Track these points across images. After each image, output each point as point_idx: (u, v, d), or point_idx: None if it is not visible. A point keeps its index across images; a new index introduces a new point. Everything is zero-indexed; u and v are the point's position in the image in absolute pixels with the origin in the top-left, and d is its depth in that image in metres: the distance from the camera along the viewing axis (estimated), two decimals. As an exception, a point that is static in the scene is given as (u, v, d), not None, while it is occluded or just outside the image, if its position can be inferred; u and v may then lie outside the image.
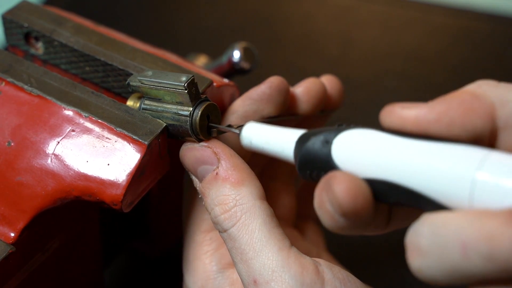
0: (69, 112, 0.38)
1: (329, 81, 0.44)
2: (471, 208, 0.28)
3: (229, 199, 0.36)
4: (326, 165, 0.33)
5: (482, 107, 0.30)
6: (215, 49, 0.60)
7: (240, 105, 0.41)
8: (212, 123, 0.38)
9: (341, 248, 0.56)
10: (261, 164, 0.44)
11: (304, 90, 0.42)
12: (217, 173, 0.37)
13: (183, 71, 0.41)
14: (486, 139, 0.30)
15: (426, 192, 0.30)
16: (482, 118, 0.30)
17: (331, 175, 0.31)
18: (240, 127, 0.38)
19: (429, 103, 0.30)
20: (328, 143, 0.33)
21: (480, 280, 0.26)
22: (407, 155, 0.30)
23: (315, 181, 0.34)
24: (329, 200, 0.31)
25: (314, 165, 0.34)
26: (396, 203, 0.32)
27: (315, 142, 0.34)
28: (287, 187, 0.46)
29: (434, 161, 0.29)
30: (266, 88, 0.40)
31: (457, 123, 0.30)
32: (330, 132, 0.33)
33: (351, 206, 0.30)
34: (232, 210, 0.36)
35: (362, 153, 0.32)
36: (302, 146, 0.34)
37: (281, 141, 0.36)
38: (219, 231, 0.37)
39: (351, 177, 0.31)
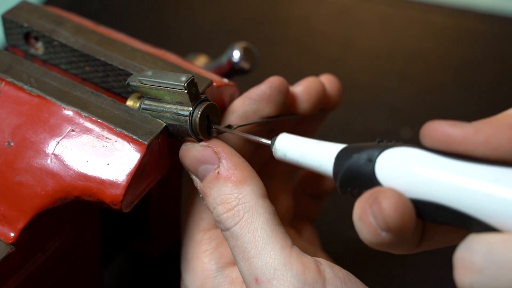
0: (69, 112, 0.38)
1: (328, 80, 0.44)
2: None
3: (232, 198, 0.36)
4: (370, 183, 0.33)
5: None
6: (215, 49, 0.60)
7: (240, 105, 0.41)
8: (212, 123, 0.38)
9: (340, 248, 0.56)
10: (259, 163, 0.44)
11: (304, 90, 0.42)
12: (218, 173, 0.37)
13: (183, 71, 0.41)
14: None
15: (477, 215, 0.30)
16: None
17: (378, 189, 0.31)
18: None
19: (475, 124, 0.30)
20: (371, 161, 0.33)
21: None
22: (456, 177, 0.30)
23: (355, 197, 0.34)
24: (373, 213, 0.31)
25: (356, 183, 0.34)
26: (443, 223, 0.32)
27: (358, 160, 0.33)
28: (285, 186, 0.46)
29: (485, 184, 0.29)
30: (266, 88, 0.40)
31: (505, 148, 0.29)
32: (373, 149, 0.33)
33: (398, 223, 0.30)
34: (235, 209, 0.36)
35: (408, 173, 0.32)
36: (344, 163, 0.34)
37: (319, 156, 0.35)
38: (222, 230, 0.37)
39: (399, 194, 0.31)
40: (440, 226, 0.35)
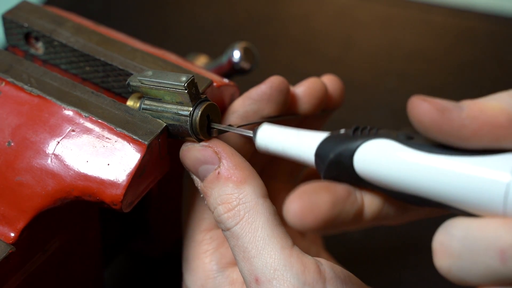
0: (69, 112, 0.38)
1: (330, 81, 0.44)
2: (505, 215, 0.28)
3: (232, 198, 0.36)
4: (351, 177, 0.34)
5: None
6: (215, 49, 0.60)
7: (240, 105, 0.41)
8: (235, 128, 0.38)
9: (341, 248, 0.56)
10: (261, 163, 0.44)
11: (305, 90, 0.42)
12: (218, 173, 0.37)
13: (183, 71, 0.41)
14: None
15: (456, 205, 0.30)
16: None
17: (287, 201, 0.32)
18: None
19: (463, 114, 0.29)
20: (349, 158, 0.33)
21: None
22: (431, 173, 0.30)
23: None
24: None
25: (339, 178, 0.34)
26: (422, 206, 0.33)
27: (336, 158, 0.34)
28: (287, 186, 0.46)
29: (461, 175, 0.29)
30: (267, 88, 0.40)
31: (487, 142, 0.29)
32: (349, 143, 0.33)
33: (300, 226, 0.32)
34: (236, 209, 0.36)
35: (385, 170, 0.32)
36: (324, 161, 0.34)
37: (300, 150, 0.36)
38: (222, 230, 0.37)
39: (303, 198, 0.32)
40: None
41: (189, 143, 0.38)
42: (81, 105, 0.38)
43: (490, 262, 0.27)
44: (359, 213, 0.34)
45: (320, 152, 0.35)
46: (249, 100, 0.40)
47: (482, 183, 0.29)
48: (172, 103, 0.38)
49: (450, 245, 0.28)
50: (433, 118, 0.29)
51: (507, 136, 0.29)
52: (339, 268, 0.35)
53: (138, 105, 0.39)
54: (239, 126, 0.39)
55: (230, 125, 0.39)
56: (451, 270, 0.28)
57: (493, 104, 0.29)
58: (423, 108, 0.30)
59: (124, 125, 0.37)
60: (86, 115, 0.38)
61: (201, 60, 0.51)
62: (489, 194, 0.28)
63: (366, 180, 0.33)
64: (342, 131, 0.35)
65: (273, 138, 0.37)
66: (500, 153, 0.29)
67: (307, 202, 0.31)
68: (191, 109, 0.37)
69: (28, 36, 0.44)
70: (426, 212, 0.37)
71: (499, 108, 0.29)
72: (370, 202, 0.35)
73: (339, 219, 0.33)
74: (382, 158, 0.32)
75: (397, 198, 0.33)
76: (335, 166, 0.34)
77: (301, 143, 0.36)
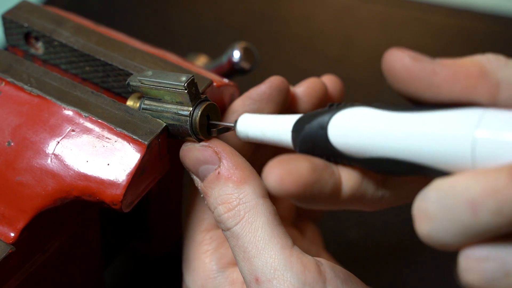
0: (69, 112, 0.38)
1: (330, 81, 0.44)
2: (474, 168, 0.28)
3: (232, 198, 0.36)
4: (326, 149, 0.34)
5: (487, 86, 0.29)
6: (215, 49, 0.60)
7: (240, 105, 0.41)
8: (213, 121, 0.38)
9: (341, 248, 0.56)
10: (261, 163, 0.44)
11: (305, 90, 0.42)
12: (219, 172, 0.37)
13: (183, 71, 0.41)
14: None
15: (428, 163, 0.30)
16: (484, 96, 0.29)
17: (266, 167, 0.32)
18: (235, 121, 0.38)
19: (435, 65, 0.30)
20: (323, 129, 0.33)
21: (489, 236, 0.27)
22: (401, 130, 0.30)
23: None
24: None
25: (315, 151, 0.34)
26: (402, 175, 0.32)
27: (311, 130, 0.34)
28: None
29: (429, 130, 0.29)
30: (266, 88, 0.40)
31: (456, 94, 0.29)
32: (323, 116, 0.34)
33: (279, 190, 0.31)
34: (236, 209, 0.36)
35: (356, 135, 0.32)
36: (299, 135, 0.34)
37: (277, 131, 0.36)
38: (222, 230, 0.37)
39: (282, 164, 0.32)
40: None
41: (189, 143, 0.38)
42: (81, 105, 0.38)
43: (463, 216, 0.26)
44: (337, 186, 0.34)
45: (296, 127, 0.35)
46: (249, 100, 0.40)
47: (450, 138, 0.28)
48: (172, 103, 0.38)
49: (427, 208, 0.28)
50: (405, 64, 0.30)
51: (477, 86, 0.29)
52: (339, 268, 0.35)
53: (138, 105, 0.39)
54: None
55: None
56: (430, 234, 0.28)
57: (466, 58, 0.30)
58: (396, 56, 0.30)
59: (124, 125, 0.37)
60: (86, 115, 0.38)
61: (201, 60, 0.51)
62: (457, 149, 0.28)
63: (341, 151, 0.33)
64: (319, 109, 0.35)
65: (253, 124, 0.37)
66: (467, 107, 0.29)
67: (287, 167, 0.31)
68: (191, 109, 0.37)
69: (28, 36, 0.44)
70: (406, 191, 0.36)
71: (471, 60, 0.30)
72: (347, 178, 0.35)
73: (318, 186, 0.32)
74: (353, 123, 0.32)
75: (374, 168, 0.33)
76: (310, 138, 0.34)
77: (278, 124, 0.36)
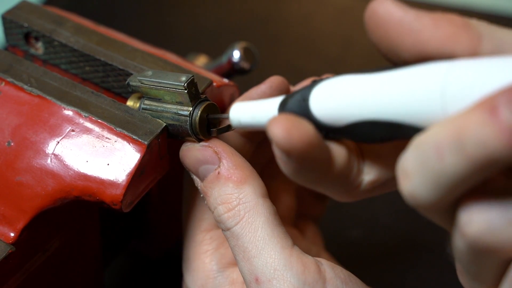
0: (69, 112, 0.38)
1: None
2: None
3: (232, 198, 0.36)
4: (309, 121, 0.33)
5: (470, 36, 0.29)
6: (215, 49, 0.60)
7: (240, 105, 0.40)
8: (212, 123, 0.38)
9: (341, 248, 0.56)
10: (261, 163, 0.44)
11: None
12: (218, 172, 0.37)
13: (183, 71, 0.41)
14: None
15: (404, 119, 0.29)
16: (465, 46, 0.29)
17: (270, 120, 0.31)
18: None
19: (417, 12, 0.29)
20: (305, 100, 0.34)
21: (466, 185, 0.26)
22: (375, 89, 0.30)
23: None
24: (273, 144, 0.31)
25: None
26: (383, 140, 0.32)
27: (294, 103, 0.34)
28: (287, 186, 0.46)
29: (401, 86, 0.29)
30: (266, 88, 0.40)
31: (437, 41, 0.29)
32: (305, 89, 0.34)
33: (287, 143, 0.30)
34: (236, 209, 0.36)
35: (335, 101, 0.32)
36: (284, 108, 0.34)
37: (265, 112, 0.36)
38: (222, 230, 0.37)
39: (288, 118, 0.31)
40: (379, 159, 0.35)
41: (189, 143, 0.38)
42: (81, 105, 0.38)
43: (432, 164, 0.26)
44: (331, 158, 0.34)
45: (282, 105, 0.35)
46: (249, 99, 0.40)
47: (420, 91, 0.28)
48: (172, 103, 0.38)
49: (406, 167, 0.27)
50: (388, 8, 0.29)
51: (459, 35, 0.28)
52: (339, 268, 0.35)
53: (138, 105, 0.39)
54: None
55: (229, 126, 0.39)
56: (412, 193, 0.27)
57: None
58: (380, 2, 0.30)
59: (124, 125, 0.37)
60: (86, 115, 0.38)
61: (201, 60, 0.51)
62: (428, 101, 0.28)
63: (324, 122, 0.33)
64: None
65: (244, 110, 0.37)
66: (436, 61, 0.29)
67: (295, 122, 0.31)
68: (191, 109, 0.37)
69: (28, 36, 0.44)
70: (381, 176, 0.36)
71: (457, 15, 0.29)
72: (336, 152, 0.35)
73: (319, 150, 0.32)
74: (332, 91, 0.32)
75: (355, 137, 0.33)
76: (293, 111, 0.34)
77: (266, 106, 0.36)
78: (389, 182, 0.37)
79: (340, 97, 0.32)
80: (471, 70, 0.27)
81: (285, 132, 0.30)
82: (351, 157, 0.35)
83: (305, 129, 0.31)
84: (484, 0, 0.84)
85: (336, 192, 0.36)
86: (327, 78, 0.34)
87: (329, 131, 0.34)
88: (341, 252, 0.50)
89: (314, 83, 0.34)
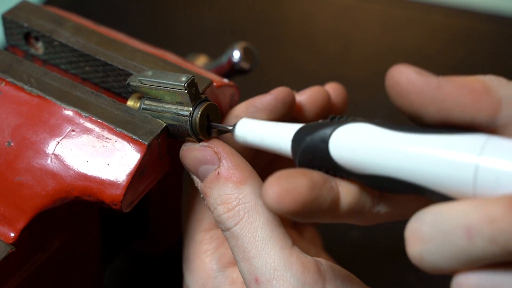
0: (69, 112, 0.38)
1: (333, 89, 0.44)
2: (475, 196, 0.28)
3: (232, 198, 0.36)
4: (326, 162, 0.33)
5: (490, 102, 0.29)
6: (215, 49, 0.60)
7: (243, 111, 0.40)
8: (212, 123, 0.38)
9: (341, 248, 0.56)
10: (261, 163, 0.44)
11: (308, 99, 0.42)
12: (218, 173, 0.37)
13: (183, 71, 0.41)
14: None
15: (428, 185, 0.30)
16: (486, 113, 0.29)
17: (265, 183, 0.31)
18: (234, 125, 0.38)
19: (439, 79, 0.30)
20: (324, 142, 0.33)
21: (482, 263, 0.27)
22: (403, 151, 0.30)
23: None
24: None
25: (314, 163, 0.34)
26: (401, 193, 0.33)
27: (312, 142, 0.34)
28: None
29: (433, 154, 0.29)
30: (272, 99, 0.40)
31: (460, 109, 0.29)
32: (325, 129, 0.34)
33: (278, 209, 0.31)
34: (235, 209, 0.36)
35: (358, 152, 0.32)
36: (299, 146, 0.34)
37: (277, 139, 0.36)
38: (222, 230, 0.37)
39: (281, 181, 0.31)
40: (396, 196, 0.36)
41: (189, 143, 0.38)
42: (81, 105, 0.38)
43: (458, 241, 0.27)
44: (336, 202, 0.34)
45: (297, 137, 0.35)
46: (253, 107, 0.40)
47: (453, 164, 0.29)
48: (172, 103, 0.38)
49: (421, 231, 0.28)
50: (410, 77, 0.30)
51: (480, 102, 0.29)
52: (338, 268, 0.35)
53: (138, 105, 0.39)
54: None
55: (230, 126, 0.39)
56: (423, 256, 0.28)
57: (469, 76, 0.30)
58: (402, 70, 0.30)
59: (124, 125, 0.37)
60: (86, 115, 0.38)
61: (201, 60, 0.51)
62: (459, 176, 0.28)
63: (341, 165, 0.33)
64: (320, 121, 0.35)
65: (252, 129, 0.37)
66: (470, 133, 0.29)
67: (285, 185, 0.31)
68: (191, 109, 0.37)
69: (28, 36, 0.44)
70: (402, 208, 0.36)
71: (475, 78, 0.30)
72: (346, 192, 0.34)
73: (317, 204, 0.32)
74: (356, 139, 0.32)
75: (373, 185, 0.33)
76: (310, 150, 0.34)
77: (278, 132, 0.36)
78: (409, 214, 0.37)
79: (364, 150, 0.32)
80: (508, 154, 0.28)
81: (276, 198, 0.30)
82: (362, 194, 0.35)
83: (299, 190, 0.31)
84: (484, 0, 0.84)
85: (349, 222, 0.36)
86: (348, 121, 0.33)
87: (345, 174, 0.34)
88: (341, 252, 0.50)
89: (335, 125, 0.33)
